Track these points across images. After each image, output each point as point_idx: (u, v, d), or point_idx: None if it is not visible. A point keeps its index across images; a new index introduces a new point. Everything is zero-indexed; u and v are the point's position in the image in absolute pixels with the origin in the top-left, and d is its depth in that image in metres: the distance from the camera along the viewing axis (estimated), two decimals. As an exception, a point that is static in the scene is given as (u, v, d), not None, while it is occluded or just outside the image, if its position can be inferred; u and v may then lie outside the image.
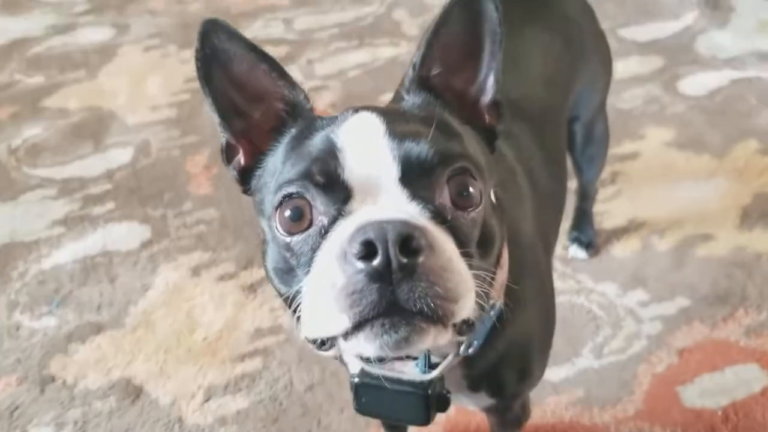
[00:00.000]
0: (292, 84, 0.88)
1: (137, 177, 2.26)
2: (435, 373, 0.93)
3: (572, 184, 1.74)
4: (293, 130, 0.86)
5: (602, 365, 1.61)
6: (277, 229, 0.79)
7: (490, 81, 0.89)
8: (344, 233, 0.71)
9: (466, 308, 0.72)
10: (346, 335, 0.71)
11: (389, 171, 0.75)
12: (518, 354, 1.03)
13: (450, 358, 0.93)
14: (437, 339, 0.72)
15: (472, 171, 0.78)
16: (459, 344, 0.93)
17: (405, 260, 0.67)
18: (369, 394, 0.96)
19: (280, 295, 0.82)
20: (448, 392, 0.96)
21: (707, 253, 1.86)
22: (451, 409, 1.01)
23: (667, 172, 2.11)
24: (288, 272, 0.78)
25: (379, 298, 0.68)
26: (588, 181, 1.76)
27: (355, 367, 0.98)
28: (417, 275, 0.68)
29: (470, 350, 0.93)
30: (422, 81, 0.87)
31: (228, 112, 0.89)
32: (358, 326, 0.69)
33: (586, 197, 1.84)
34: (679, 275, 1.81)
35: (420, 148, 0.75)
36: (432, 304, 0.68)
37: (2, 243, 2.08)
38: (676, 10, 2.78)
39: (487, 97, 0.90)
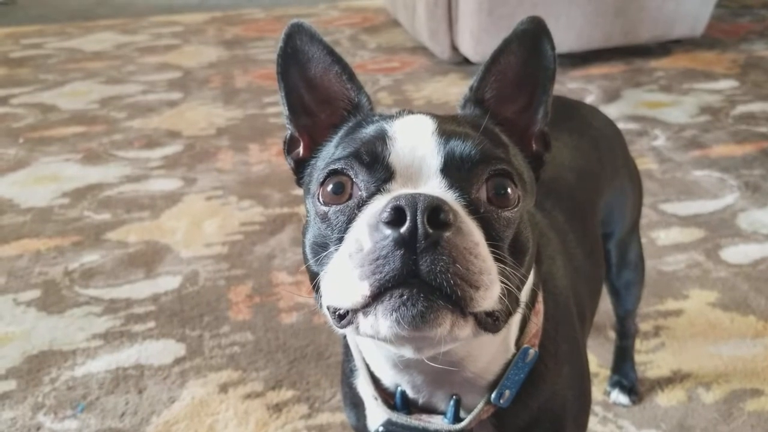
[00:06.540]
0: (359, 88, 0.95)
1: (181, 301, 2.32)
2: (464, 423, 0.89)
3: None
4: (350, 123, 0.92)
5: None
6: (318, 199, 0.82)
7: (540, 113, 0.95)
8: (379, 204, 0.73)
9: (487, 300, 0.70)
10: (366, 308, 0.70)
11: (432, 161, 0.79)
12: (551, 419, 0.97)
13: (480, 405, 0.90)
14: (456, 329, 0.70)
15: (513, 176, 0.81)
16: (491, 390, 0.89)
17: (431, 230, 0.68)
18: None
19: (311, 275, 0.83)
20: None
21: (758, 407, 1.75)
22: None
23: (712, 329, 2.06)
24: (323, 247, 0.79)
25: (401, 265, 0.68)
26: (626, 312, 1.72)
27: (379, 417, 0.94)
28: (441, 248, 0.68)
29: (502, 401, 0.89)
30: (477, 101, 0.93)
31: (297, 109, 0.96)
32: (377, 296, 0.69)
33: (626, 334, 1.79)
34: (729, 428, 1.69)
35: (464, 146, 0.79)
36: (452, 281, 0.68)
37: (40, 350, 2.11)
38: (716, 191, 2.86)
39: (535, 126, 0.96)
